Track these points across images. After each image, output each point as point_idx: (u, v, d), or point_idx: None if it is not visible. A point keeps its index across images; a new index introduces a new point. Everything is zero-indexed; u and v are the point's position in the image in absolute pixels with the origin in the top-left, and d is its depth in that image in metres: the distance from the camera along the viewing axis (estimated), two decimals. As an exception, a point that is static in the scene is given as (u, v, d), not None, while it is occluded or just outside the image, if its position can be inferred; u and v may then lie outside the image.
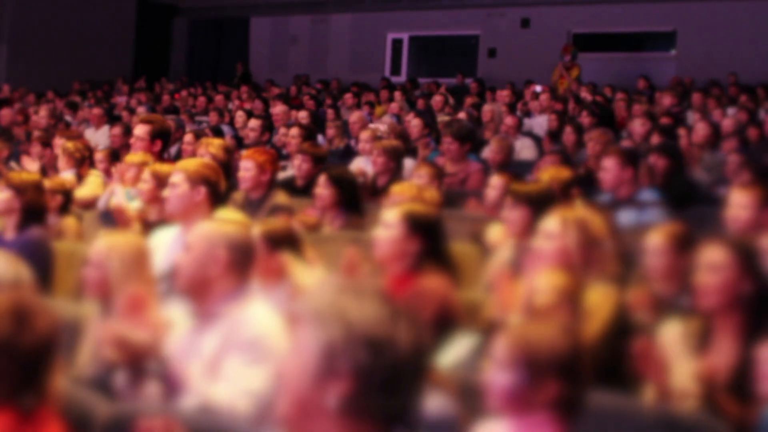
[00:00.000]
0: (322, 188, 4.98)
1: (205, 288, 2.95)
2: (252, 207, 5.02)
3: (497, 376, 2.17)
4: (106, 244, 3.29)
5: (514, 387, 2.13)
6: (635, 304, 3.32)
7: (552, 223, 3.31)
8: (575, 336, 2.26)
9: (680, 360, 2.79)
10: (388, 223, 3.44)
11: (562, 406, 2.12)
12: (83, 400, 2.59)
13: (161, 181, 4.53)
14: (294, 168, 6.15)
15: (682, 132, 7.29)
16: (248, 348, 2.82)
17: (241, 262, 3.00)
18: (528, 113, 10.94)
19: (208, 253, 2.96)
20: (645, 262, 3.54)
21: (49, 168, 6.74)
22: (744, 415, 2.55)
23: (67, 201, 5.20)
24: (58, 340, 2.12)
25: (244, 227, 3.19)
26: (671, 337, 2.90)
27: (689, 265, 3.36)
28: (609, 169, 5.05)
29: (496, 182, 5.03)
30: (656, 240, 3.47)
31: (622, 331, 3.04)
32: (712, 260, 2.83)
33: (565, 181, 4.77)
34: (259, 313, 2.94)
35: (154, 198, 4.64)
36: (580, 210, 3.42)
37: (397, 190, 4.51)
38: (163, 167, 4.83)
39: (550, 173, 4.91)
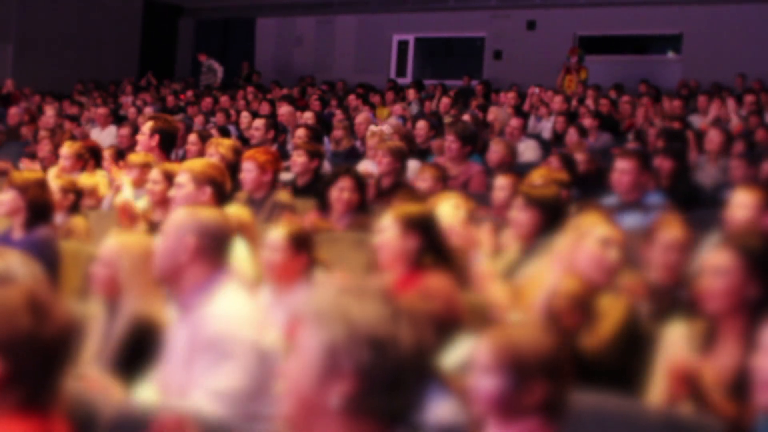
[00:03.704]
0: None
1: (177, 276, 2.89)
2: (255, 206, 5.03)
3: (482, 381, 2.08)
4: (116, 243, 3.30)
5: (501, 392, 2.05)
6: (630, 292, 3.31)
7: (611, 231, 3.28)
8: (556, 335, 2.22)
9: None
10: (384, 226, 3.49)
11: (549, 409, 2.06)
12: (88, 399, 2.60)
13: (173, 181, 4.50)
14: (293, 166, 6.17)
15: (688, 135, 7.29)
16: (212, 347, 2.77)
17: (213, 249, 2.90)
18: (535, 116, 10.93)
19: (178, 240, 2.88)
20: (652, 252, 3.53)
21: (52, 167, 6.76)
22: (742, 416, 2.54)
23: (77, 200, 5.21)
24: (77, 332, 2.01)
25: (218, 213, 3.08)
26: (675, 338, 2.89)
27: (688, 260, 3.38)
28: (627, 171, 4.95)
29: (502, 183, 4.98)
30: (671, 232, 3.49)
31: (632, 334, 3.04)
32: (718, 264, 2.79)
33: (558, 183, 4.72)
34: (223, 307, 2.84)
35: (165, 198, 4.60)
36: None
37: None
38: (174, 167, 4.82)
39: (541, 174, 4.88)
